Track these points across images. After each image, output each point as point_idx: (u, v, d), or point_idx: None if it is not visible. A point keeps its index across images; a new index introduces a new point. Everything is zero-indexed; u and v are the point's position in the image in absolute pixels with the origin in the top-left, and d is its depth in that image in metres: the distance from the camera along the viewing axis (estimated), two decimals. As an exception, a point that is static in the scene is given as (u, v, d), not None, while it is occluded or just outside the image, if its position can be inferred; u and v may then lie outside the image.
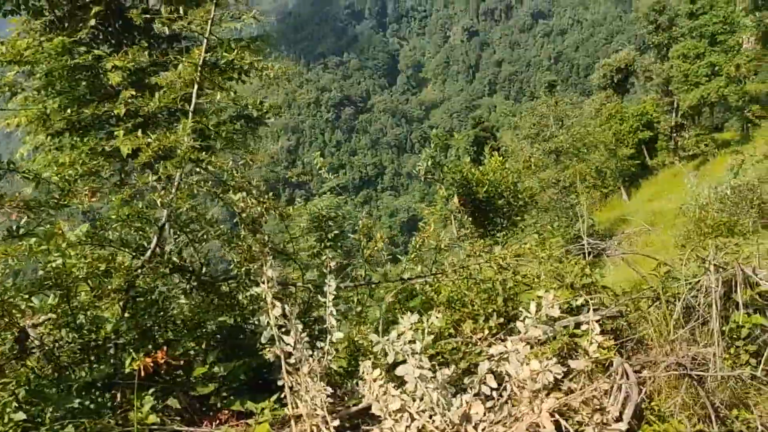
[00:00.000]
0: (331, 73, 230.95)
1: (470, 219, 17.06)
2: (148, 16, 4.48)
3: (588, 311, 3.80)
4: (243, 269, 4.09)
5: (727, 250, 4.78)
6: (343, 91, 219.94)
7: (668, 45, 46.17)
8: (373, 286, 4.61)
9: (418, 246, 4.71)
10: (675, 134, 46.19)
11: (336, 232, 7.85)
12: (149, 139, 3.77)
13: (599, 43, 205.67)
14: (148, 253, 3.82)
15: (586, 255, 5.92)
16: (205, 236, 4.12)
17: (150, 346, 3.71)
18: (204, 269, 4.16)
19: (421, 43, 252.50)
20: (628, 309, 4.76)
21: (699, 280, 4.53)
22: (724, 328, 4.35)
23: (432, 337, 3.52)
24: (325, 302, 3.52)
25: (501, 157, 21.23)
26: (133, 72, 6.18)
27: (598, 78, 53.48)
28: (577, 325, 4.20)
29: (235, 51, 4.50)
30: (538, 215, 32.05)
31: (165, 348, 3.30)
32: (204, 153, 3.86)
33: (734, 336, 4.34)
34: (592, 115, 46.44)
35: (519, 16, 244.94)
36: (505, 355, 3.21)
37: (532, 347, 3.55)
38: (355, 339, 4.18)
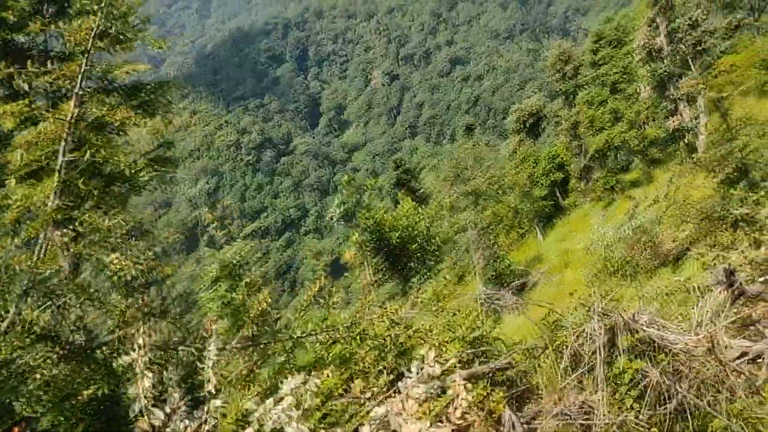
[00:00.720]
0: (251, 115, 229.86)
1: (385, 264, 17.12)
2: (10, 71, 4.23)
3: (478, 364, 3.82)
4: (116, 335, 3.85)
5: (611, 296, 4.96)
6: (264, 134, 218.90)
7: (574, 92, 48.82)
8: (262, 345, 4.45)
9: (305, 305, 4.60)
10: (584, 176, 48.48)
11: (248, 279, 7.64)
12: (9, 200, 3.53)
13: (514, 88, 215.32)
14: (6, 322, 3.53)
15: (484, 305, 6.00)
16: (73, 301, 3.86)
17: (10, 422, 3.40)
18: (75, 336, 3.88)
19: (343, 86, 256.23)
20: (518, 360, 4.82)
21: (584, 328, 4.66)
22: (609, 375, 4.47)
23: (320, 398, 3.41)
24: (204, 367, 3.35)
25: (418, 201, 21.62)
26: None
27: (512, 122, 55.78)
28: (470, 378, 4.20)
29: (106, 107, 4.31)
30: (458, 256, 32.72)
31: (24, 423, 3.03)
32: (77, 211, 3.64)
33: (618, 382, 4.46)
34: (508, 157, 48.19)
35: (438, 61, 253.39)
36: (386, 418, 3.15)
37: (420, 404, 3.51)
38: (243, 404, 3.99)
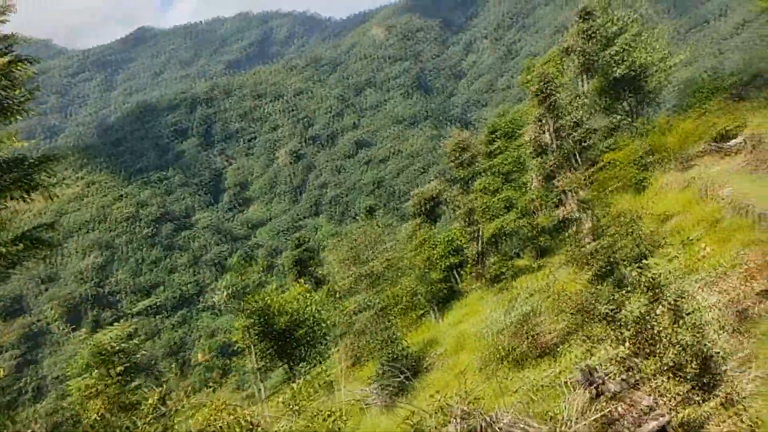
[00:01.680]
0: (153, 187, 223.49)
1: (272, 349, 16.49)
2: None
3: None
4: None
5: (475, 394, 4.91)
6: (165, 207, 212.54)
7: (471, 179, 50.99)
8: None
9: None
10: (480, 260, 49.96)
11: (125, 365, 7.01)
12: None
13: (417, 172, 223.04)
14: None
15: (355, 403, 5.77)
16: None
17: None
18: None
19: (249, 163, 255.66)
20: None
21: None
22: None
23: None
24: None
25: (318, 282, 21.35)
26: None
27: (412, 205, 57.17)
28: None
29: None
30: (354, 338, 32.29)
31: None
32: None
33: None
34: (406, 240, 49.03)
35: (343, 143, 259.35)
36: None
37: None
38: None
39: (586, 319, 11.09)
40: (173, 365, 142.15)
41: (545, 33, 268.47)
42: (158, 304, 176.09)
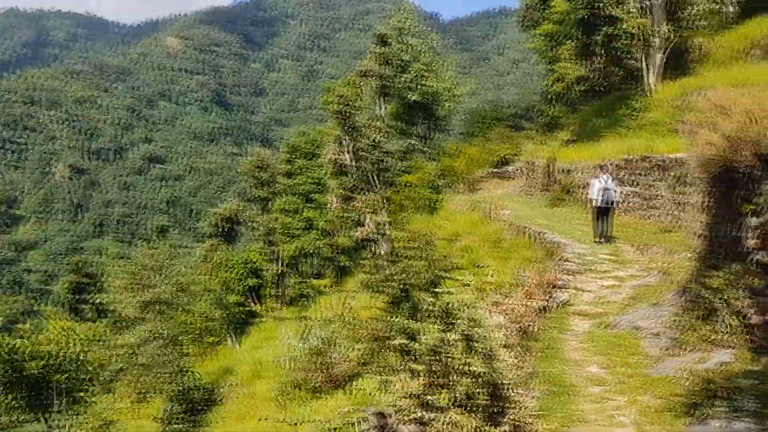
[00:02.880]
0: None
1: (22, 401, 13.92)
2: None
3: None
4: None
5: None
6: None
7: (270, 199, 49.99)
8: None
9: None
10: (279, 281, 49.00)
11: None
12: None
13: (215, 190, 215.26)
14: None
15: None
16: None
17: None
18: None
19: (18, 178, 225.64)
20: None
21: None
22: None
23: None
24: None
25: (99, 312, 18.71)
26: None
27: (208, 225, 54.51)
28: None
29: None
30: (139, 373, 29.30)
31: None
32: None
33: None
34: (199, 262, 46.46)
35: (133, 158, 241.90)
36: None
37: None
38: None
39: (382, 348, 10.82)
40: None
41: (345, 57, 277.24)
42: None
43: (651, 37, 28.32)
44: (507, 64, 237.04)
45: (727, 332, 9.10)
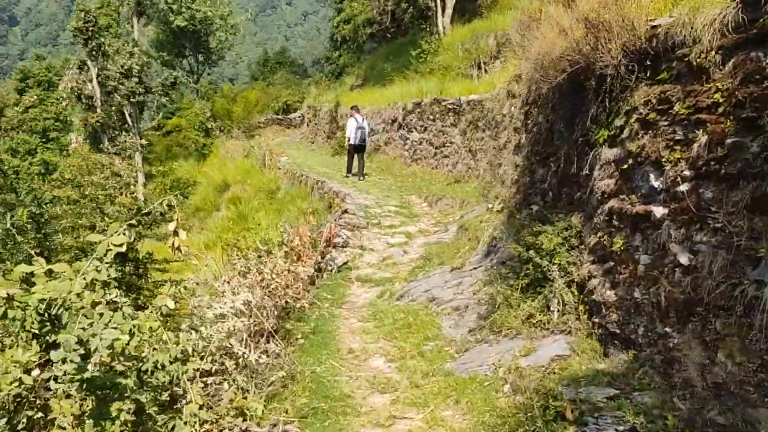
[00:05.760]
0: None
1: None
2: None
3: None
4: None
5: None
6: None
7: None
8: None
9: None
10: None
11: None
12: None
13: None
14: None
15: None
16: None
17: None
18: None
19: None
20: None
21: None
22: None
23: None
24: None
25: None
26: None
27: None
28: None
29: None
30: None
31: None
32: None
33: None
34: None
35: None
36: None
37: None
38: None
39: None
40: None
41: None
42: None
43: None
44: (295, 17, 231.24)
45: (558, 310, 6.42)
